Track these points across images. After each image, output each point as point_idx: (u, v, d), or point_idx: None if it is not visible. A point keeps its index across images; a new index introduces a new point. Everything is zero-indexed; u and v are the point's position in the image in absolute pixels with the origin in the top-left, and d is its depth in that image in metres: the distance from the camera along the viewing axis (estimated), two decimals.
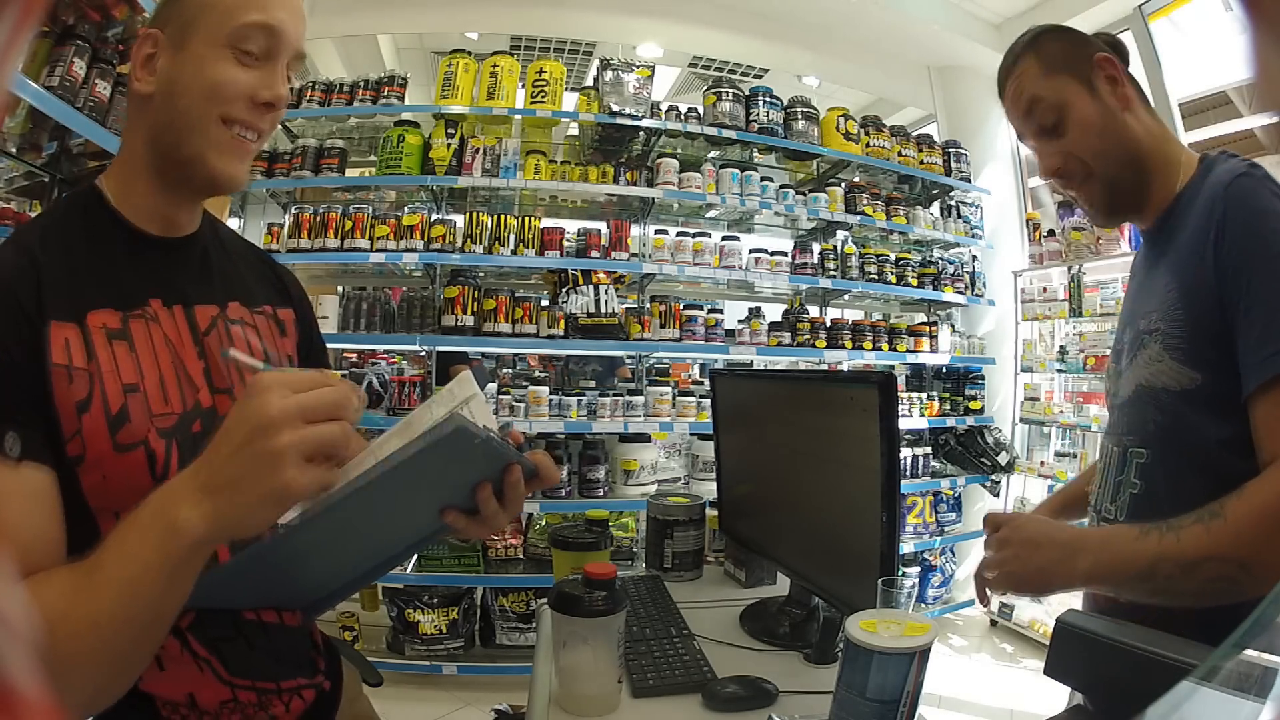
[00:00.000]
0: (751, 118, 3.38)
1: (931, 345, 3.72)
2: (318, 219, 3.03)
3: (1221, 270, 0.84)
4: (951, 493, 3.87)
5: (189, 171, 0.75)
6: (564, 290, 3.20)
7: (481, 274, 3.27)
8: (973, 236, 3.97)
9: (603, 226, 3.21)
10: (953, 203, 3.95)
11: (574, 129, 3.55)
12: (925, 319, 3.92)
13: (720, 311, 3.36)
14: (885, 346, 3.55)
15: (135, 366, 0.70)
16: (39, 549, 0.60)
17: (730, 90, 3.37)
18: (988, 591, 0.99)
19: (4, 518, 0.58)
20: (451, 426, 0.57)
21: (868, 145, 3.63)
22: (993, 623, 3.73)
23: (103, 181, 0.77)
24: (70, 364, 0.65)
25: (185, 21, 0.73)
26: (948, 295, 3.82)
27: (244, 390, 0.56)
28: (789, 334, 3.38)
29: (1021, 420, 3.99)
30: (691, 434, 3.16)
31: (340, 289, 3.35)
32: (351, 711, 0.99)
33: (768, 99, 3.41)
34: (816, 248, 3.58)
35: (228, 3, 0.73)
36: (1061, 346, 3.82)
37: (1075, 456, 3.64)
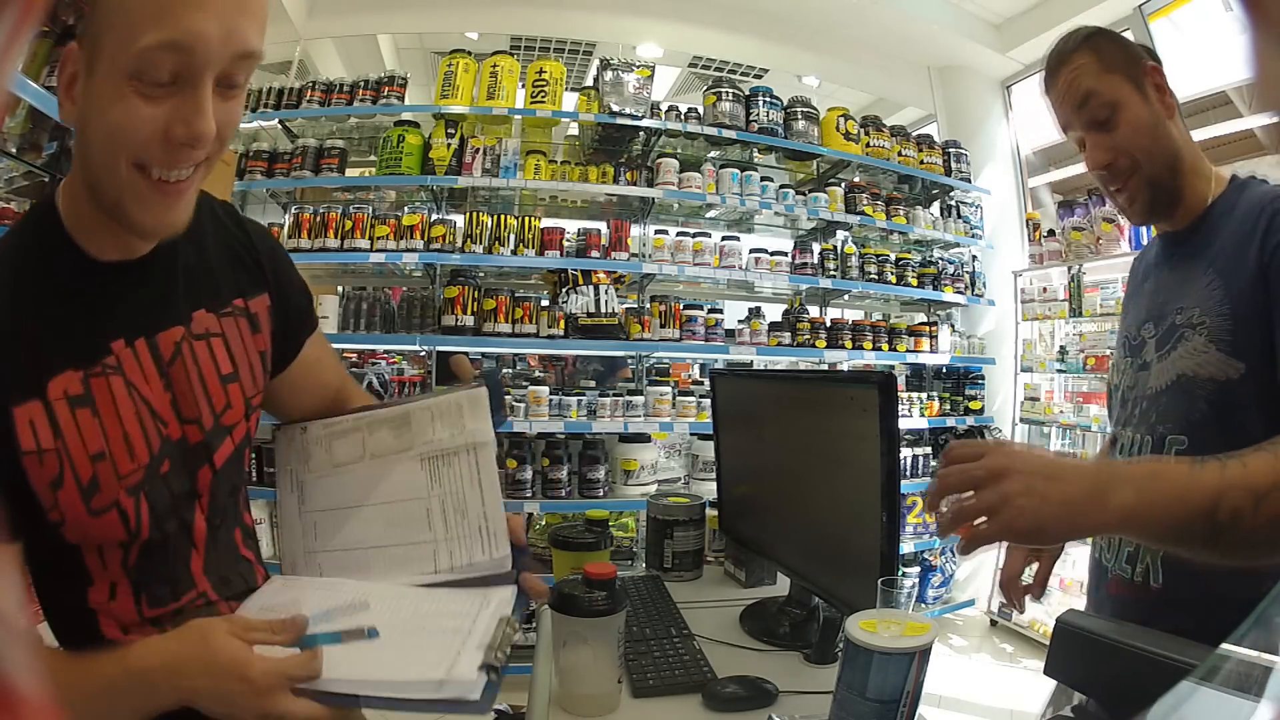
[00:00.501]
0: (751, 118, 3.38)
1: (931, 345, 3.72)
2: (318, 219, 3.03)
3: (1266, 270, 0.90)
4: None
5: (116, 219, 0.67)
6: (564, 290, 3.20)
7: (481, 274, 3.27)
8: (973, 236, 3.97)
9: (603, 226, 3.21)
10: (953, 203, 3.95)
11: (574, 129, 3.55)
12: (925, 319, 3.92)
13: (720, 311, 3.35)
14: (885, 346, 3.55)
15: (100, 432, 0.69)
16: None
17: (730, 90, 3.37)
18: (960, 555, 0.85)
19: None
20: (474, 694, 0.57)
21: (868, 145, 3.63)
22: (993, 623, 3.73)
23: (58, 196, 0.71)
24: (39, 447, 0.65)
25: (93, 38, 0.60)
26: (948, 295, 3.82)
27: (229, 659, 0.62)
28: (789, 334, 3.38)
29: (1021, 420, 3.99)
30: (691, 434, 3.16)
31: (340, 289, 3.35)
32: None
33: (768, 99, 3.41)
34: (816, 248, 3.58)
35: (130, 16, 0.58)
36: (1061, 346, 3.82)
37: (1075, 456, 3.64)
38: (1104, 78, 1.04)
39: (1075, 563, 3.59)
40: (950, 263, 3.91)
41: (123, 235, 0.70)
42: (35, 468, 0.65)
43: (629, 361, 3.46)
